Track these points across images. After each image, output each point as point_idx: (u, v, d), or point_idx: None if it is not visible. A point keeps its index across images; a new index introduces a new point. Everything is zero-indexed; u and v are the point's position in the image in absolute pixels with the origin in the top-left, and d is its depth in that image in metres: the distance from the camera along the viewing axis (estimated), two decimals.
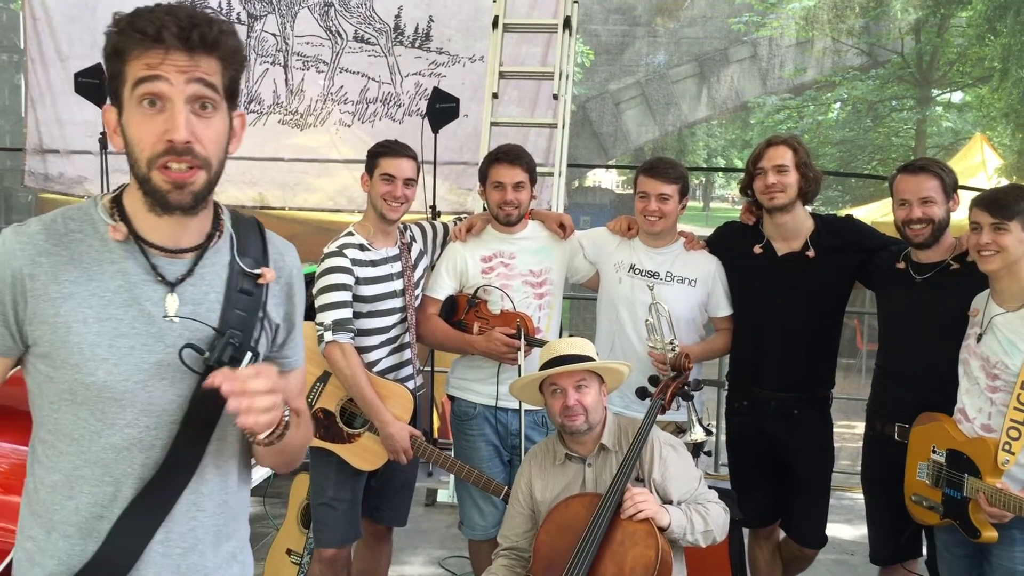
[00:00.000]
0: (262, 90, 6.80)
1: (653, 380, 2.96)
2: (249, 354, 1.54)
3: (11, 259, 1.49)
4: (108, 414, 1.51)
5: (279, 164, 6.75)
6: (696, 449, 3.13)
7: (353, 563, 3.59)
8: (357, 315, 3.27)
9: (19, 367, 1.58)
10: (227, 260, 1.61)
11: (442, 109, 5.92)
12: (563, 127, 5.67)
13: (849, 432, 7.70)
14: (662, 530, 2.64)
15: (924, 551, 3.35)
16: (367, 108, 6.70)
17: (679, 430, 3.21)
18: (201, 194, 1.48)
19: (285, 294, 1.68)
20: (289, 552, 3.81)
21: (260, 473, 4.79)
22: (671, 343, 3.14)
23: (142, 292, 1.52)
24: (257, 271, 1.61)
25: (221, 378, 1.42)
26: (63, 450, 1.54)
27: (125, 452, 1.53)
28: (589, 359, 2.82)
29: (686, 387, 2.92)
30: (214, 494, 1.61)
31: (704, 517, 2.73)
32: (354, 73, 6.73)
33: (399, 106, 6.71)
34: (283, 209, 6.79)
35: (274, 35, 6.77)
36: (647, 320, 3.24)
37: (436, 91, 6.05)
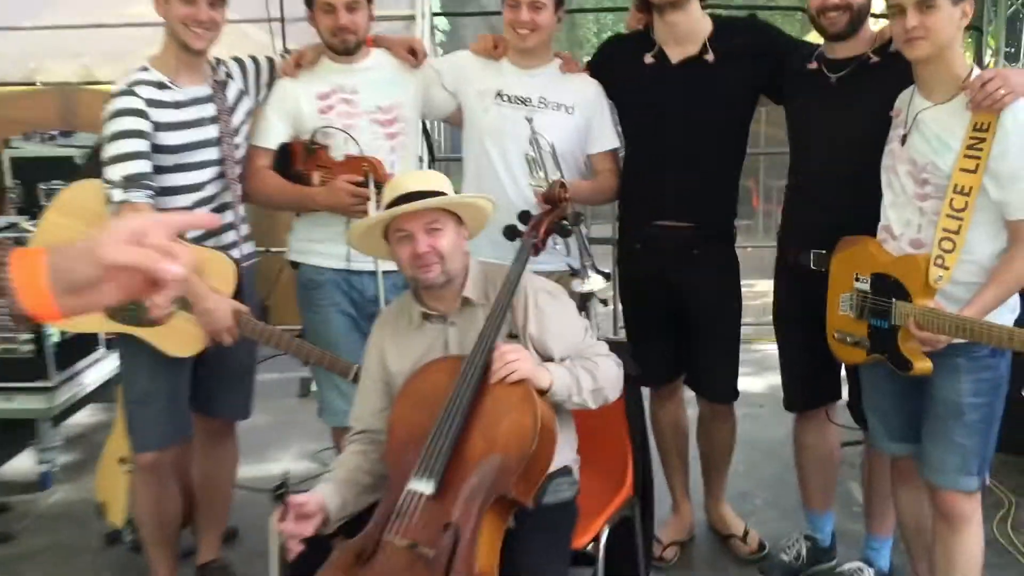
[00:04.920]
0: None
1: (523, 217, 2.44)
2: None
3: None
4: None
5: (104, 32, 5.88)
6: (583, 299, 2.65)
7: (193, 467, 3.06)
8: (159, 169, 2.65)
9: None
10: None
11: None
12: None
13: (750, 291, 7.48)
14: (542, 393, 2.17)
15: (844, 394, 3.00)
16: None
17: (573, 275, 2.70)
18: None
19: None
20: (122, 461, 3.23)
21: (99, 375, 4.20)
22: (546, 178, 2.61)
23: None
24: None
25: None
26: None
27: None
28: (442, 195, 2.28)
29: (563, 221, 2.40)
30: None
31: (592, 374, 2.27)
32: None
33: None
34: (112, 84, 5.91)
35: None
36: (527, 154, 2.71)
37: None
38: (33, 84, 6.05)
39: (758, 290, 6.35)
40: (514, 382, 2.16)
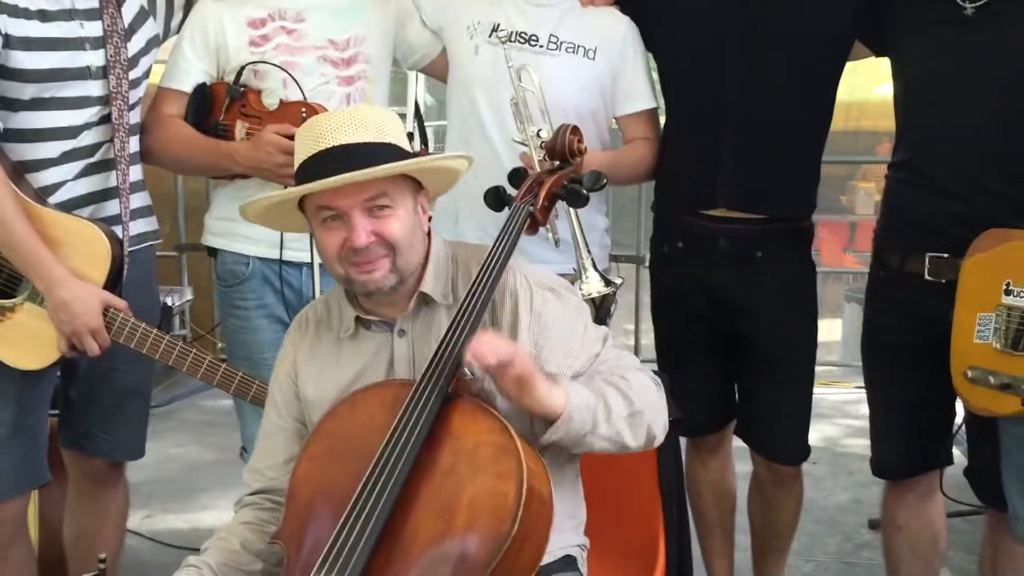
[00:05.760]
0: None
1: (515, 177, 1.64)
2: None
3: None
4: None
5: None
6: (600, 310, 1.87)
7: (65, 523, 2.27)
8: (12, 104, 1.93)
9: None
10: None
11: None
12: None
13: None
14: (550, 423, 1.37)
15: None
16: None
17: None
18: None
19: None
20: None
21: None
22: (538, 133, 1.83)
23: None
24: None
25: None
26: None
27: None
28: (391, 151, 1.48)
29: (575, 184, 1.60)
30: None
31: (624, 392, 1.46)
32: None
33: None
34: None
35: None
36: (512, 98, 1.93)
37: None
38: None
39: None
40: (488, 425, 1.36)
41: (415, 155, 1.54)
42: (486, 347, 1.31)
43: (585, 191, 1.59)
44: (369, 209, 1.46)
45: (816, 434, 3.92)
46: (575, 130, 1.67)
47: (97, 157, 2.04)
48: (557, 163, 1.64)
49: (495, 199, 1.59)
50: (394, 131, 1.53)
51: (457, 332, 1.42)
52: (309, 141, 1.48)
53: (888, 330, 2.15)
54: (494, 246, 1.51)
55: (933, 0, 1.98)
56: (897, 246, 2.08)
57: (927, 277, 1.99)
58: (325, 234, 1.49)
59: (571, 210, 1.82)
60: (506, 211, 1.59)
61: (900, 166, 2.11)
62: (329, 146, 1.46)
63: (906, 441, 2.15)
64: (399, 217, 1.48)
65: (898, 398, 2.14)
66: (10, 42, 1.89)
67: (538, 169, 1.80)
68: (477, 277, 1.49)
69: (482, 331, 1.44)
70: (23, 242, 1.84)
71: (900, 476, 2.20)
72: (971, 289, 1.86)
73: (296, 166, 1.50)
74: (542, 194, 1.54)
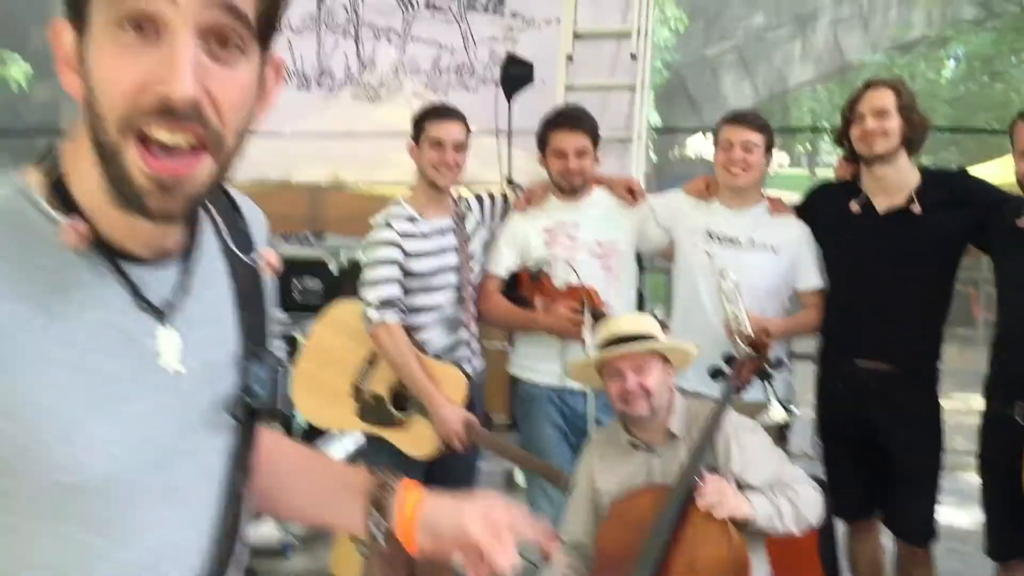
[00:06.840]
0: (333, 64, 6.62)
1: (728, 360, 2.64)
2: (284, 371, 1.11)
3: None
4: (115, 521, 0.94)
5: (354, 139, 6.58)
6: (780, 431, 2.81)
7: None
8: (409, 291, 3.08)
9: None
10: (218, 249, 1.07)
11: (516, 75, 5.63)
12: (642, 89, 5.32)
13: (965, 407, 7.09)
14: (743, 526, 2.34)
15: None
16: (440, 77, 6.46)
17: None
18: (201, 195, 0.91)
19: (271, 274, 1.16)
20: (354, 539, 3.62)
21: (337, 452, 4.63)
22: (735, 316, 2.79)
23: (134, 327, 0.95)
24: (258, 258, 1.11)
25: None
26: None
27: (152, 570, 0.98)
28: (651, 338, 2.54)
29: (765, 366, 2.59)
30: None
31: (793, 502, 2.41)
32: (426, 42, 6.50)
33: (472, 74, 6.44)
34: (358, 184, 6.64)
35: (344, 7, 6.58)
36: (722, 285, 2.92)
37: (509, 56, 5.77)
38: (288, 183, 6.82)
39: (975, 407, 6.11)
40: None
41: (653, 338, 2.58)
42: (708, 502, 2.33)
43: (771, 371, 2.58)
44: (636, 369, 2.50)
45: (969, 517, 4.61)
46: (766, 332, 2.65)
47: (452, 321, 3.16)
48: (754, 353, 2.63)
49: (714, 374, 2.61)
50: (653, 328, 2.58)
51: (694, 461, 2.43)
52: (607, 331, 2.57)
53: (993, 452, 2.93)
54: (715, 407, 2.51)
55: (1018, 228, 2.80)
56: (997, 395, 2.89)
57: (1019, 420, 2.77)
58: (611, 383, 2.54)
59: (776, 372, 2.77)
60: (719, 381, 2.60)
61: (999, 336, 2.92)
62: (619, 335, 2.53)
63: (1005, 533, 2.92)
64: (654, 375, 2.51)
65: (999, 501, 2.92)
66: (408, 255, 3.06)
67: (736, 338, 2.78)
68: (705, 425, 2.49)
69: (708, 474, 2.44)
70: (420, 381, 2.97)
71: (1002, 559, 2.98)
72: None
73: (599, 343, 2.57)
74: (744, 375, 2.54)
